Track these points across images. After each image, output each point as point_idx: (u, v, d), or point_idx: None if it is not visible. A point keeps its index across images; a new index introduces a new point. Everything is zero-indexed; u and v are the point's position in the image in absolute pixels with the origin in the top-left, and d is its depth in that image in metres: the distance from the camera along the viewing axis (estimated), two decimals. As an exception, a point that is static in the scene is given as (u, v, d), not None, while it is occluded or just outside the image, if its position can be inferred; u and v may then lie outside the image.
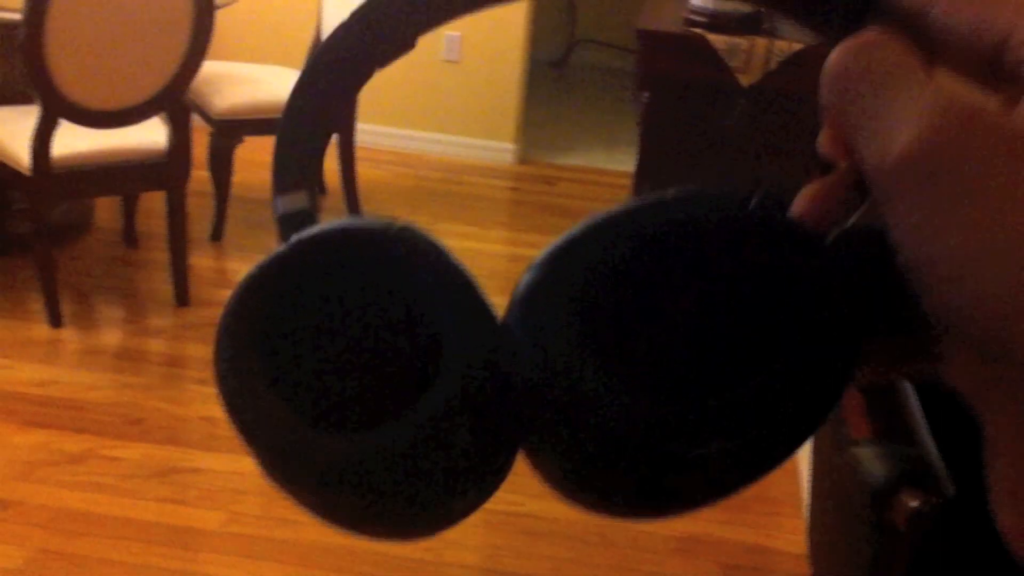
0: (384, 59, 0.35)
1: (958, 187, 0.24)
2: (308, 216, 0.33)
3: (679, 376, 0.28)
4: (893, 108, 0.26)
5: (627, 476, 0.28)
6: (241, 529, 2.31)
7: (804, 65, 3.05)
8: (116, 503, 2.36)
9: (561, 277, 0.29)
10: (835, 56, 0.28)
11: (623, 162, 4.57)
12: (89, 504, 2.35)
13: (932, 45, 0.29)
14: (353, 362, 0.30)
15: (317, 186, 0.34)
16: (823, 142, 0.29)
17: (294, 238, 0.31)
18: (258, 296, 0.31)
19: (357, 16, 0.34)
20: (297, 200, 0.34)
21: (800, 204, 0.30)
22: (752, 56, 3.07)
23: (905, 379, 0.32)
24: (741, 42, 3.07)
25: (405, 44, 0.35)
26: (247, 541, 2.28)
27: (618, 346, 0.28)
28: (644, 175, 3.27)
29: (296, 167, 0.34)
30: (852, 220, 0.28)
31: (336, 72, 0.34)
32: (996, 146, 0.25)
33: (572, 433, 0.28)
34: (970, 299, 0.24)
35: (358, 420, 0.30)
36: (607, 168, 4.75)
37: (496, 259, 3.75)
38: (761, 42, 3.07)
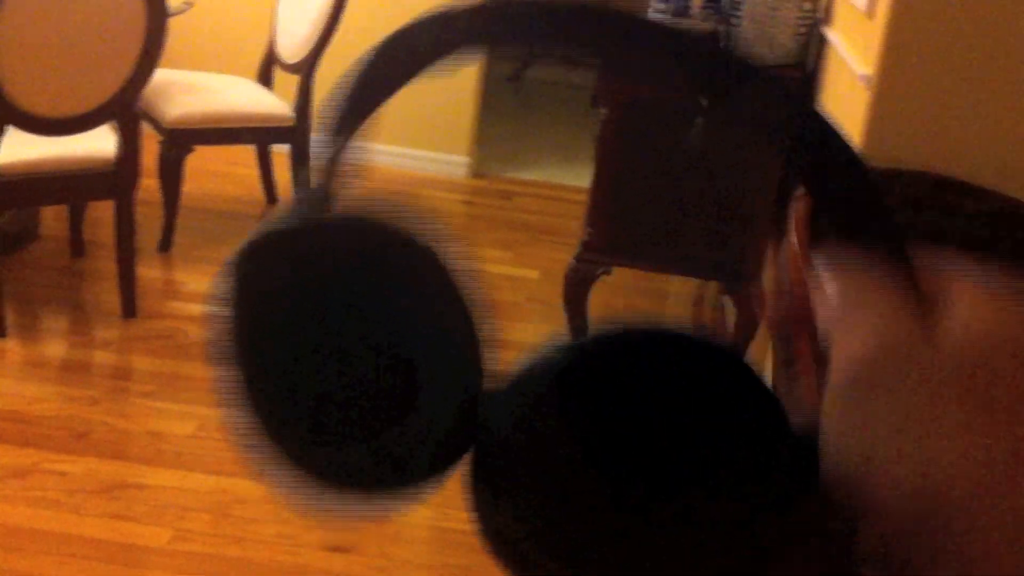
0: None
1: (875, 411, 0.28)
2: (325, 196, 0.34)
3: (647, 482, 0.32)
4: (853, 325, 0.30)
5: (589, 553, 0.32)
6: (188, 546, 2.27)
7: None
8: (61, 519, 2.31)
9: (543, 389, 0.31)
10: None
11: (580, 177, 4.56)
12: (33, 520, 2.29)
13: None
14: (338, 368, 0.32)
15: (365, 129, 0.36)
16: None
17: (309, 219, 0.32)
18: (265, 262, 0.32)
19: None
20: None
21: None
22: (709, 73, 3.07)
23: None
24: (698, 59, 3.07)
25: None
26: (194, 559, 2.24)
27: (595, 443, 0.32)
28: (600, 191, 3.27)
29: (350, 116, 0.35)
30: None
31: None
32: (909, 379, 0.29)
33: (544, 507, 0.32)
34: (866, 510, 0.28)
35: (336, 431, 0.32)
36: (563, 183, 4.75)
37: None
38: (718, 59, 3.07)
